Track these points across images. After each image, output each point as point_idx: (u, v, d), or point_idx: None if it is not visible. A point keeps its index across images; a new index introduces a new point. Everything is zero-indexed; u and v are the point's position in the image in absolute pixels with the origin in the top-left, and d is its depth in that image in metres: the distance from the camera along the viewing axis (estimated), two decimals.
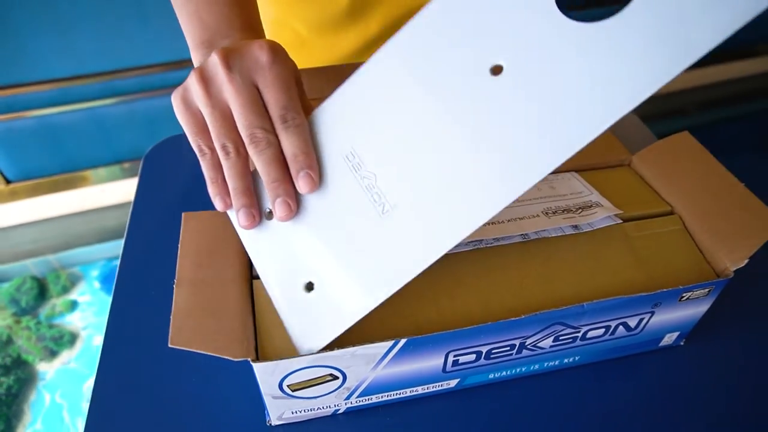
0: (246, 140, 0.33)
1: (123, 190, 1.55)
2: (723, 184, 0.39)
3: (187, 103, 0.34)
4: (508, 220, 0.38)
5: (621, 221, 0.39)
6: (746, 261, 0.35)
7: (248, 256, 0.35)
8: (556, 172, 0.41)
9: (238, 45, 0.34)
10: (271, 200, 0.32)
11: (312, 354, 0.30)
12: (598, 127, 0.25)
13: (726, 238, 0.36)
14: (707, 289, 0.35)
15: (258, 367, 0.30)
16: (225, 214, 0.36)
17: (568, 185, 0.42)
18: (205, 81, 0.33)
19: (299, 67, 0.36)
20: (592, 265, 0.36)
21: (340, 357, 0.31)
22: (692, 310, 0.37)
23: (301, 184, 0.32)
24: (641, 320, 0.36)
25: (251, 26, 0.40)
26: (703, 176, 0.40)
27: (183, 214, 0.38)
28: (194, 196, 0.52)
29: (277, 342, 0.32)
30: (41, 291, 1.43)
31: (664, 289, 0.34)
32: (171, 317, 0.30)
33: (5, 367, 1.26)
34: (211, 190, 0.34)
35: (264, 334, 0.32)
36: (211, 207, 0.34)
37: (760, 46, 2.08)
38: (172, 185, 0.54)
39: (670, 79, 0.24)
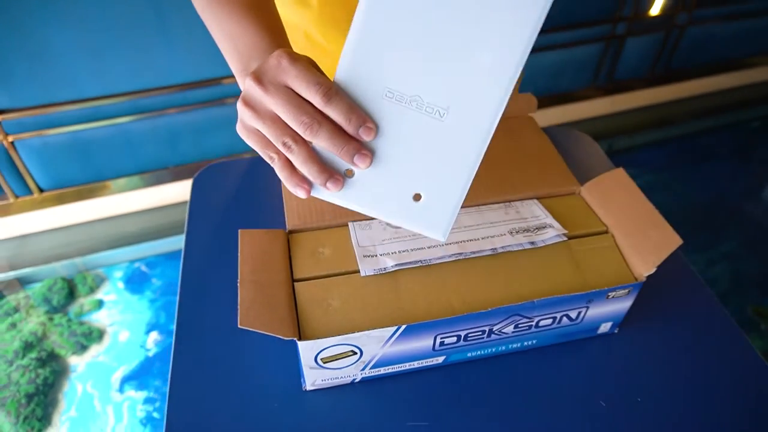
0: (299, 130, 0.38)
1: (143, 197, 1.67)
2: (643, 209, 0.51)
3: (246, 127, 0.40)
4: (483, 238, 0.51)
5: (567, 239, 0.51)
6: (654, 269, 0.47)
7: (290, 264, 0.48)
8: (522, 199, 0.54)
9: (261, 63, 0.40)
10: (348, 161, 0.39)
11: (341, 335, 0.43)
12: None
13: (642, 252, 0.49)
14: (627, 290, 0.48)
15: (302, 345, 0.43)
16: (270, 232, 0.48)
17: (530, 210, 0.54)
18: (248, 103, 0.39)
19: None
20: (543, 271, 0.49)
21: (359, 338, 0.44)
22: (618, 305, 0.50)
23: (364, 136, 0.38)
24: (579, 313, 0.49)
25: (282, 47, 0.45)
26: (630, 204, 0.52)
27: (239, 231, 0.50)
28: (238, 213, 0.64)
29: (314, 326, 0.44)
30: (70, 291, 1.55)
31: (594, 290, 0.47)
32: (238, 306, 0.42)
33: (41, 360, 1.38)
34: (289, 186, 0.39)
35: (304, 321, 0.45)
36: (256, 224, 0.47)
37: (747, 60, 2.20)
38: (217, 204, 0.66)
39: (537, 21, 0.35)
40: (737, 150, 2.19)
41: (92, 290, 1.57)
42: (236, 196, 0.67)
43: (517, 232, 0.51)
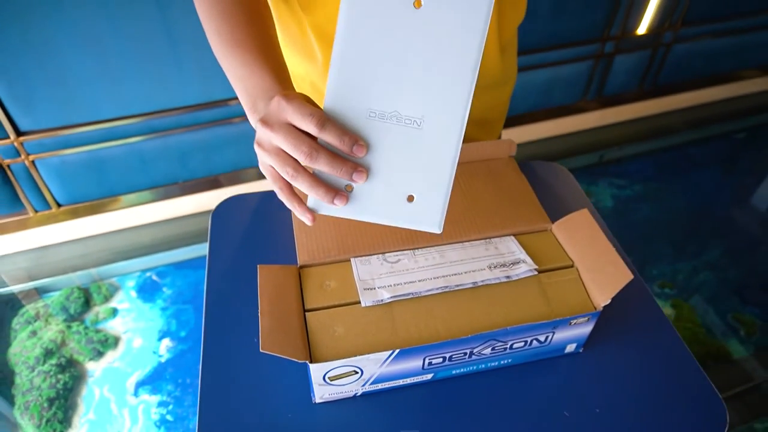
0: (301, 159, 0.44)
1: (154, 211, 1.76)
2: (602, 247, 0.60)
3: (263, 165, 0.47)
4: (465, 272, 0.59)
5: (537, 272, 0.60)
6: (609, 300, 0.56)
7: (302, 296, 0.57)
8: (500, 236, 0.63)
9: (266, 107, 0.47)
10: (348, 179, 0.45)
11: (345, 359, 0.52)
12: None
13: (600, 285, 0.58)
14: (586, 318, 0.57)
15: (312, 367, 0.52)
16: (284, 267, 0.57)
17: (507, 246, 0.63)
18: (259, 143, 0.47)
19: None
20: (516, 302, 0.58)
21: (360, 360, 0.53)
22: (580, 330, 0.59)
23: (358, 153, 0.45)
24: (547, 336, 0.58)
25: (284, 86, 0.51)
26: (591, 241, 0.61)
27: (258, 267, 0.58)
28: (254, 244, 0.73)
29: (323, 350, 0.53)
30: (86, 300, 1.64)
31: (558, 318, 0.56)
32: (260, 334, 0.51)
33: (61, 366, 1.47)
34: (298, 213, 0.47)
35: (314, 346, 0.54)
36: (271, 254, 0.55)
37: (731, 74, 2.29)
38: (235, 236, 0.75)
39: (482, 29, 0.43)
40: (723, 160, 2.28)
41: (107, 299, 1.66)
42: (252, 228, 0.76)
43: (495, 267, 0.60)
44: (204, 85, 1.52)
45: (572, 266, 0.62)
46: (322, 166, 0.45)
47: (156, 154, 1.61)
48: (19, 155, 1.46)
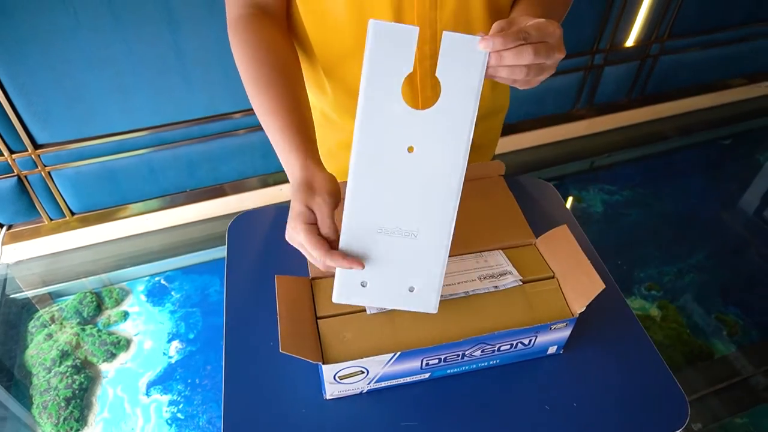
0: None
1: (162, 218, 1.83)
2: (579, 259, 0.67)
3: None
4: (458, 283, 0.67)
5: (522, 283, 0.68)
6: (584, 308, 0.64)
7: (314, 305, 0.64)
8: (489, 250, 0.71)
9: (291, 211, 0.58)
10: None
11: (353, 360, 0.59)
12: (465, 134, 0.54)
13: (576, 294, 0.66)
14: (564, 323, 0.65)
15: (324, 367, 0.59)
16: (298, 279, 0.65)
17: (495, 259, 0.71)
18: (288, 236, 0.59)
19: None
20: (503, 310, 0.66)
21: (366, 361, 0.60)
22: (560, 334, 0.67)
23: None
24: (530, 340, 0.66)
25: (306, 163, 0.62)
26: (569, 255, 0.69)
27: (276, 277, 0.65)
28: (268, 256, 0.81)
29: (333, 353, 0.61)
30: (98, 304, 1.72)
31: (539, 324, 0.63)
32: (279, 336, 0.58)
33: (76, 368, 1.54)
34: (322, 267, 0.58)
35: (326, 349, 0.61)
36: (284, 266, 0.63)
37: (716, 83, 2.37)
38: (251, 248, 0.82)
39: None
40: (709, 166, 2.36)
41: (118, 303, 1.73)
42: (266, 241, 0.83)
43: (485, 278, 0.68)
44: (210, 99, 1.59)
45: (553, 277, 0.69)
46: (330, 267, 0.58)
47: (165, 165, 1.68)
48: (36, 167, 1.53)
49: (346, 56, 0.72)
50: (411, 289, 0.59)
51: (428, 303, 0.60)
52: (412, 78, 0.75)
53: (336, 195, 0.59)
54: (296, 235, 0.57)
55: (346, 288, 0.59)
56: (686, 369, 1.55)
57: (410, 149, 0.54)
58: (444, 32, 0.50)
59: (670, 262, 1.92)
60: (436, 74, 0.52)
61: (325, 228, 0.57)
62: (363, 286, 0.59)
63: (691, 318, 1.75)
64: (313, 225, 0.57)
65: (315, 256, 0.56)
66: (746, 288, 1.84)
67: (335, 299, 0.59)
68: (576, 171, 2.26)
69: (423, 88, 0.76)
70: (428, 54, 0.72)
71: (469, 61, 0.51)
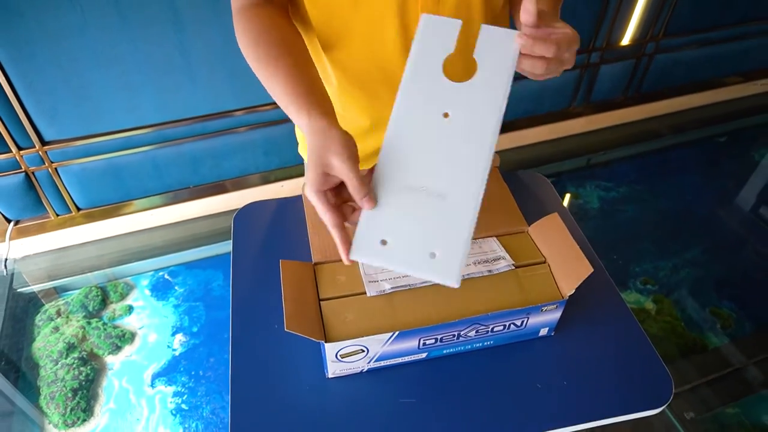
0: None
1: (166, 214, 1.86)
2: (569, 245, 0.71)
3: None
4: None
5: (514, 267, 0.71)
6: (574, 290, 0.67)
7: (317, 288, 0.68)
8: (484, 237, 0.74)
9: (306, 178, 0.59)
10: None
11: (354, 339, 0.63)
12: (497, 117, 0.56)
13: (566, 278, 0.69)
14: (554, 305, 0.68)
15: (327, 346, 0.63)
16: (302, 264, 0.68)
17: (490, 245, 0.74)
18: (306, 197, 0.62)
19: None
20: (496, 292, 0.69)
21: (366, 341, 0.64)
22: (551, 315, 0.70)
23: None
24: (522, 321, 0.69)
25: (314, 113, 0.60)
26: (560, 241, 0.72)
27: (281, 261, 0.68)
28: (273, 243, 0.84)
29: (335, 332, 0.64)
30: (103, 298, 1.75)
31: (531, 306, 0.67)
32: (284, 316, 0.61)
33: (82, 359, 1.57)
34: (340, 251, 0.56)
35: (328, 329, 0.65)
36: (287, 252, 0.66)
37: (711, 81, 2.40)
38: (255, 236, 0.86)
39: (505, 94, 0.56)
40: (704, 163, 2.40)
41: (122, 297, 1.76)
42: (271, 229, 0.87)
43: (479, 263, 0.71)
44: (213, 97, 1.62)
45: (544, 262, 0.73)
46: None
47: (169, 161, 1.71)
48: (44, 163, 1.57)
49: (352, 40, 0.74)
50: (432, 255, 0.55)
51: (449, 273, 0.54)
52: None
53: (353, 153, 0.57)
54: (310, 197, 0.56)
55: (366, 243, 0.56)
56: (680, 361, 1.58)
57: (445, 115, 0.57)
58: (482, 25, 0.58)
59: (665, 257, 1.95)
60: (473, 55, 0.57)
61: (353, 189, 0.55)
62: (383, 244, 0.55)
63: (686, 312, 1.77)
64: (322, 192, 0.56)
65: (326, 222, 0.56)
66: (740, 283, 1.87)
67: (353, 255, 0.56)
68: (573, 168, 2.29)
69: None
70: None
71: (502, 48, 0.57)
